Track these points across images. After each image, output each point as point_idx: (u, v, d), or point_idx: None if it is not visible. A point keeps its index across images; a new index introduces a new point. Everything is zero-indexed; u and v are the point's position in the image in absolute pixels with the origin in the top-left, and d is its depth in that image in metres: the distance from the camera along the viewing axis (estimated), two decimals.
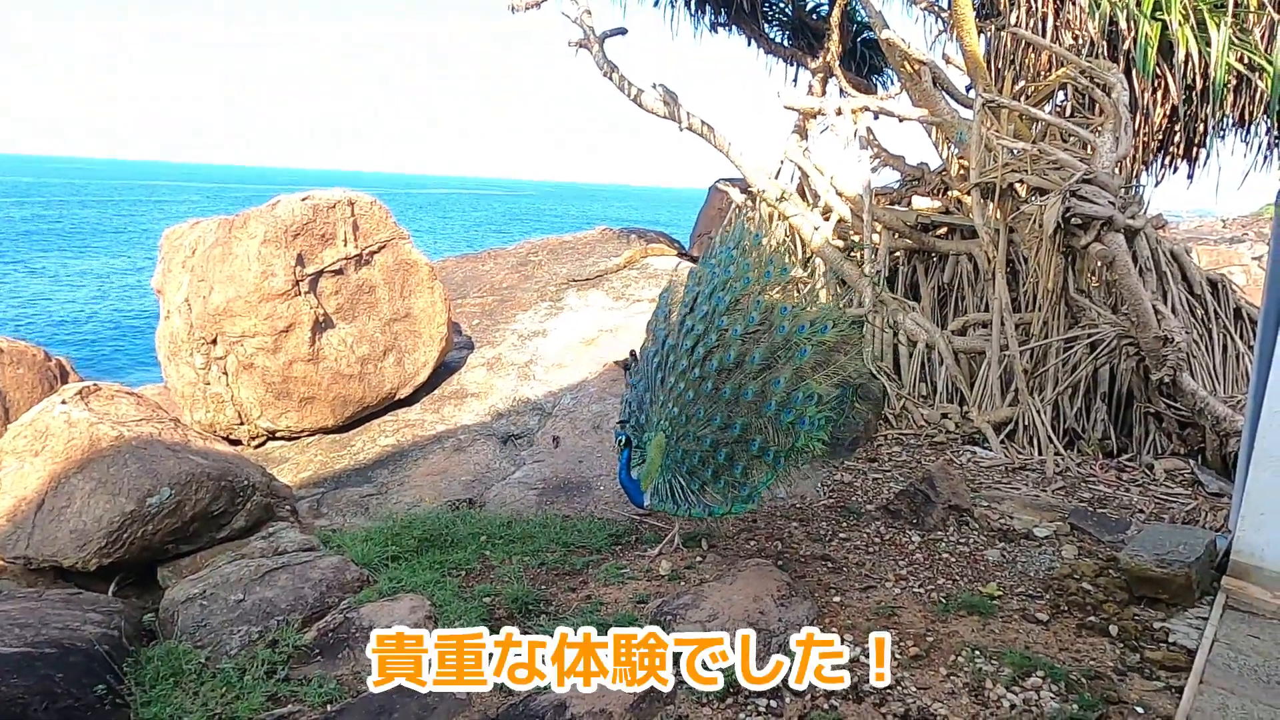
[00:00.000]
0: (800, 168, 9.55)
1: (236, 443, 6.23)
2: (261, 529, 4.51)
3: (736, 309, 3.93)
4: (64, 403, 4.42)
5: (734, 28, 11.59)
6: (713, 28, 11.75)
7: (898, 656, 3.31)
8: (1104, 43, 7.70)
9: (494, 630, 3.46)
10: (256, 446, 6.29)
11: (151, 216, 53.01)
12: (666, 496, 3.97)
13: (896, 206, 9.07)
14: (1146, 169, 8.74)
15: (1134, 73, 7.56)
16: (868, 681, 3.10)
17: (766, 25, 11.66)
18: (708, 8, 11.48)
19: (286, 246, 5.99)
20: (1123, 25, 7.46)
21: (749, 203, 10.07)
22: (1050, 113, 7.86)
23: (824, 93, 10.49)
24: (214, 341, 5.97)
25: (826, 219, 9.17)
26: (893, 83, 11.54)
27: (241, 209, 6.52)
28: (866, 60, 11.58)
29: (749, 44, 11.69)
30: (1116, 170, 6.43)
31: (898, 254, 8.84)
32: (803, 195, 9.63)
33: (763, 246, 4.06)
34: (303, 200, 6.22)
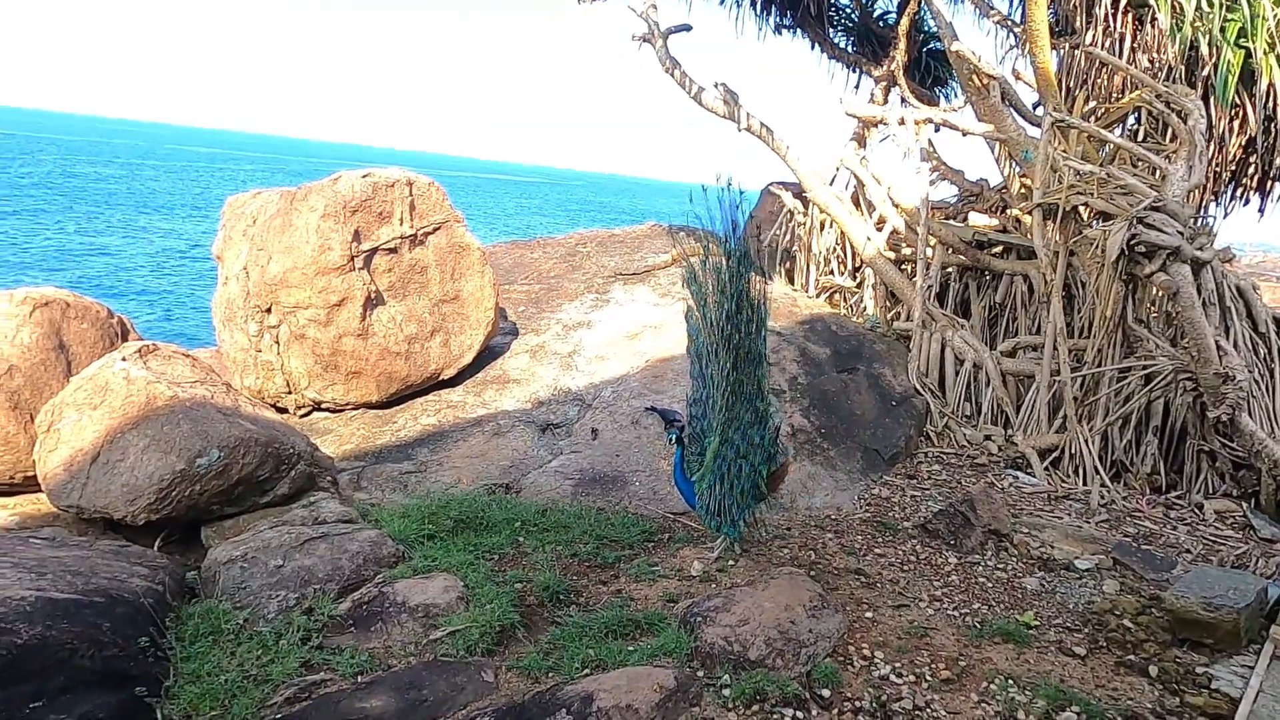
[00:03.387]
0: (857, 176, 9.44)
1: (283, 410, 6.34)
2: (303, 498, 4.58)
3: (743, 305, 3.95)
4: (124, 360, 4.54)
5: (799, 30, 11.49)
6: (777, 29, 11.66)
7: (928, 678, 3.27)
8: (1182, 67, 7.48)
9: (524, 617, 3.50)
10: (302, 416, 6.40)
11: (206, 183, 54.30)
12: (703, 506, 4.11)
13: (952, 222, 8.92)
14: (1216, 200, 8.48)
15: (1212, 100, 7.33)
16: (898, 700, 3.07)
17: (831, 30, 11.54)
18: (774, 9, 11.39)
19: (344, 222, 6.07)
20: (1204, 51, 7.24)
21: (801, 207, 9.99)
22: (1121, 136, 7.66)
23: (885, 102, 10.34)
24: (268, 310, 6.09)
25: (879, 229, 9.07)
26: (956, 95, 11.35)
27: (302, 181, 6.64)
28: (931, 71, 11.40)
29: (812, 48, 11.58)
30: (1187, 199, 6.24)
31: (950, 270, 8.70)
32: (856, 204, 9.52)
33: (725, 241, 4.01)
34: (363, 177, 6.30)
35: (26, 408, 4.73)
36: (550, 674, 3.14)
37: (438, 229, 6.67)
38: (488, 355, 7.03)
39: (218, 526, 4.37)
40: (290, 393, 6.33)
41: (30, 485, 4.73)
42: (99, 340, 5.29)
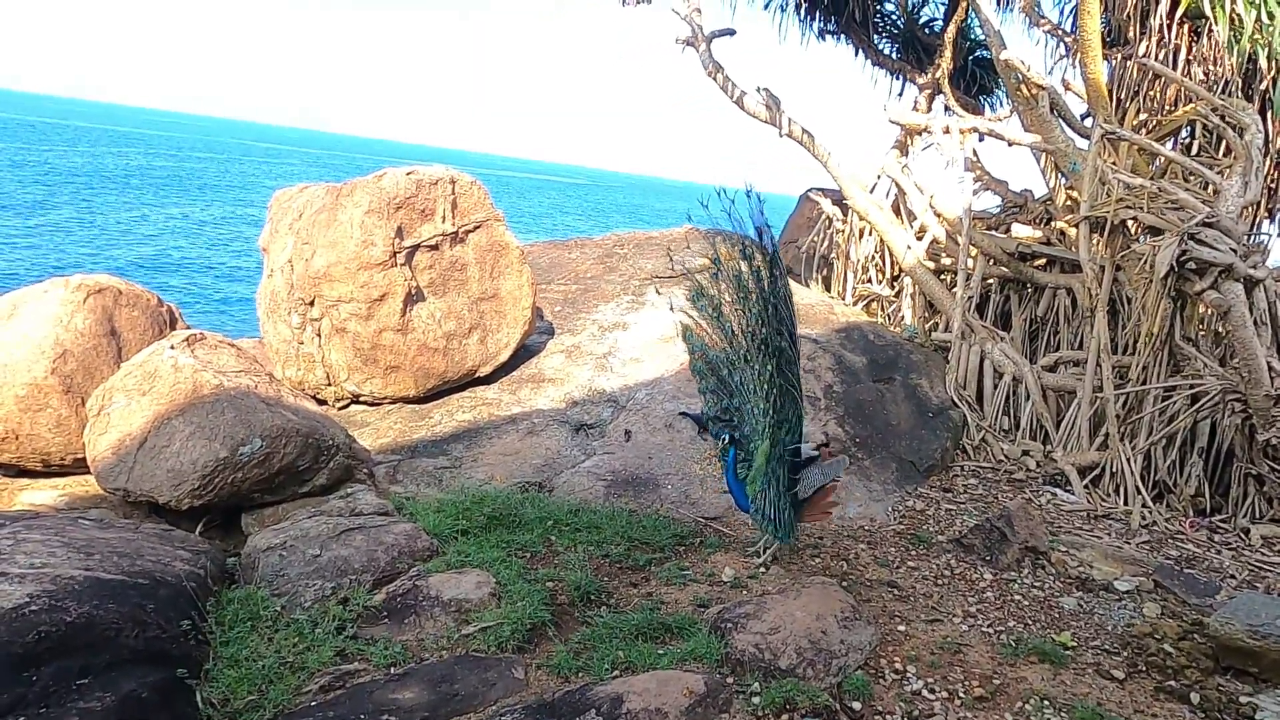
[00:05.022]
0: (898, 184, 9.35)
1: (322, 402, 6.44)
2: (341, 489, 4.65)
3: (778, 305, 3.93)
4: (172, 348, 4.65)
5: (843, 36, 11.41)
6: (821, 35, 11.57)
7: (961, 695, 3.23)
8: (1239, 80, 7.30)
9: (554, 616, 3.52)
10: (340, 408, 6.49)
11: (255, 174, 55.35)
12: (758, 510, 4.08)
13: (994, 232, 8.80)
14: (1271, 217, 8.26)
15: (1269, 114, 7.15)
16: (930, 716, 3.03)
17: (876, 36, 11.44)
18: (818, 14, 11.32)
19: (388, 218, 6.16)
20: (1263, 64, 7.06)
21: (840, 214, 9.92)
22: (1173, 150, 7.49)
23: (930, 109, 10.23)
24: (311, 303, 6.19)
25: (920, 238, 8.97)
26: (1001, 104, 11.18)
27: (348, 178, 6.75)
28: (977, 79, 11.25)
29: (856, 54, 11.49)
30: (1241, 216, 6.09)
31: (991, 281, 8.58)
32: (897, 212, 9.43)
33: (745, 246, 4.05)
34: (407, 174, 6.38)
35: (79, 391, 4.87)
36: (580, 674, 3.16)
37: (478, 227, 6.73)
38: (524, 354, 7.08)
39: (257, 514, 4.46)
40: (330, 385, 6.43)
41: (79, 467, 4.86)
42: (149, 327, 5.43)
